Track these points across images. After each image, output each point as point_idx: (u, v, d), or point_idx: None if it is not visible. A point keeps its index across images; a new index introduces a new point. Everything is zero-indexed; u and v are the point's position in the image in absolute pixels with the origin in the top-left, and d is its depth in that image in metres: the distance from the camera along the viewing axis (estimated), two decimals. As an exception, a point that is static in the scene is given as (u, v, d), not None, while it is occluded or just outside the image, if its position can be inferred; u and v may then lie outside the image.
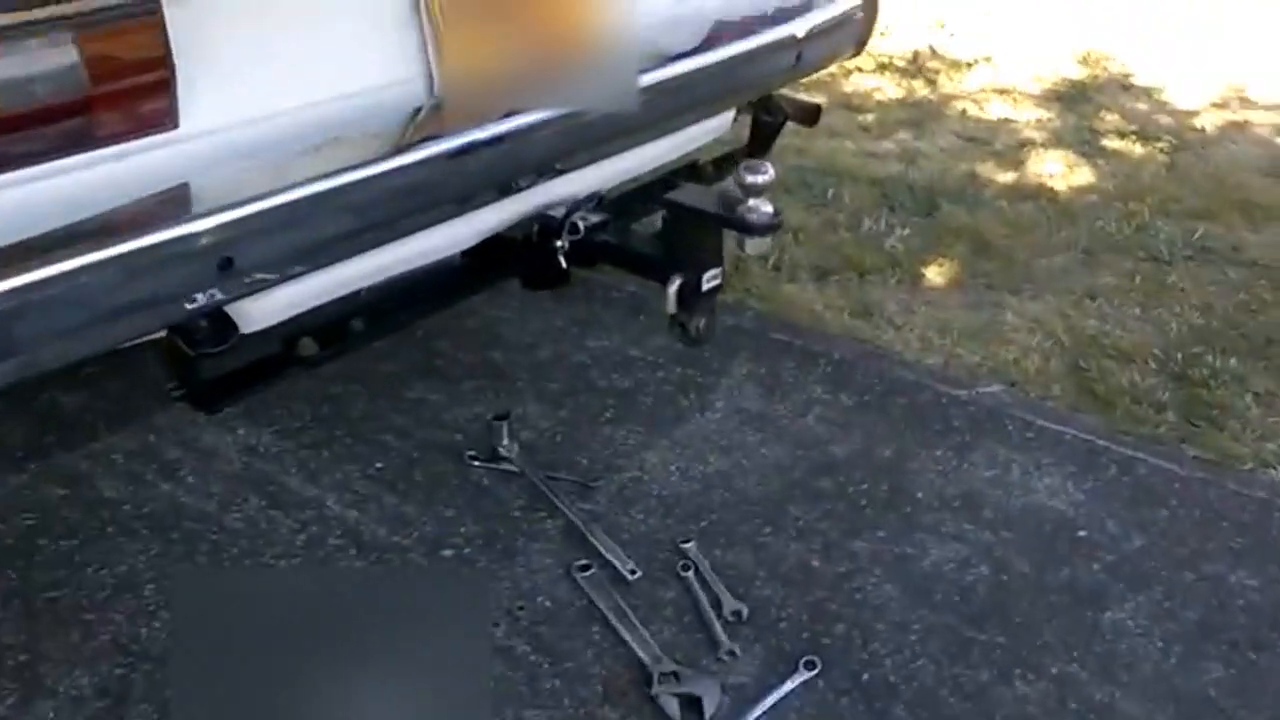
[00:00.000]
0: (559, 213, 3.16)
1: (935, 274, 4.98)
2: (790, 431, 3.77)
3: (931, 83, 7.04)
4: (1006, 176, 5.89)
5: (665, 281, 3.05)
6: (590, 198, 3.27)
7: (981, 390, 4.04)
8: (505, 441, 3.56)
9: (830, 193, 5.54)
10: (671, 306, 3.10)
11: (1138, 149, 6.23)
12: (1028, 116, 6.58)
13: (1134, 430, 3.88)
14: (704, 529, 3.33)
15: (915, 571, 3.21)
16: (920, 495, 3.51)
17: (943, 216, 5.45)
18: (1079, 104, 6.72)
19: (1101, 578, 3.21)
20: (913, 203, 5.54)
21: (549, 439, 3.70)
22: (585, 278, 4.68)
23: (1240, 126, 6.53)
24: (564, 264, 3.28)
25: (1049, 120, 6.53)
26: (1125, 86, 6.96)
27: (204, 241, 2.07)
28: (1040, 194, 5.73)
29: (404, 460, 3.59)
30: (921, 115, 6.56)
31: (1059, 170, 5.98)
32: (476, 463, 3.56)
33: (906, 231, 5.28)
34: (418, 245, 2.94)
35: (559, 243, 3.25)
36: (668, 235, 3.14)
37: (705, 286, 3.13)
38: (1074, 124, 6.48)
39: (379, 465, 3.57)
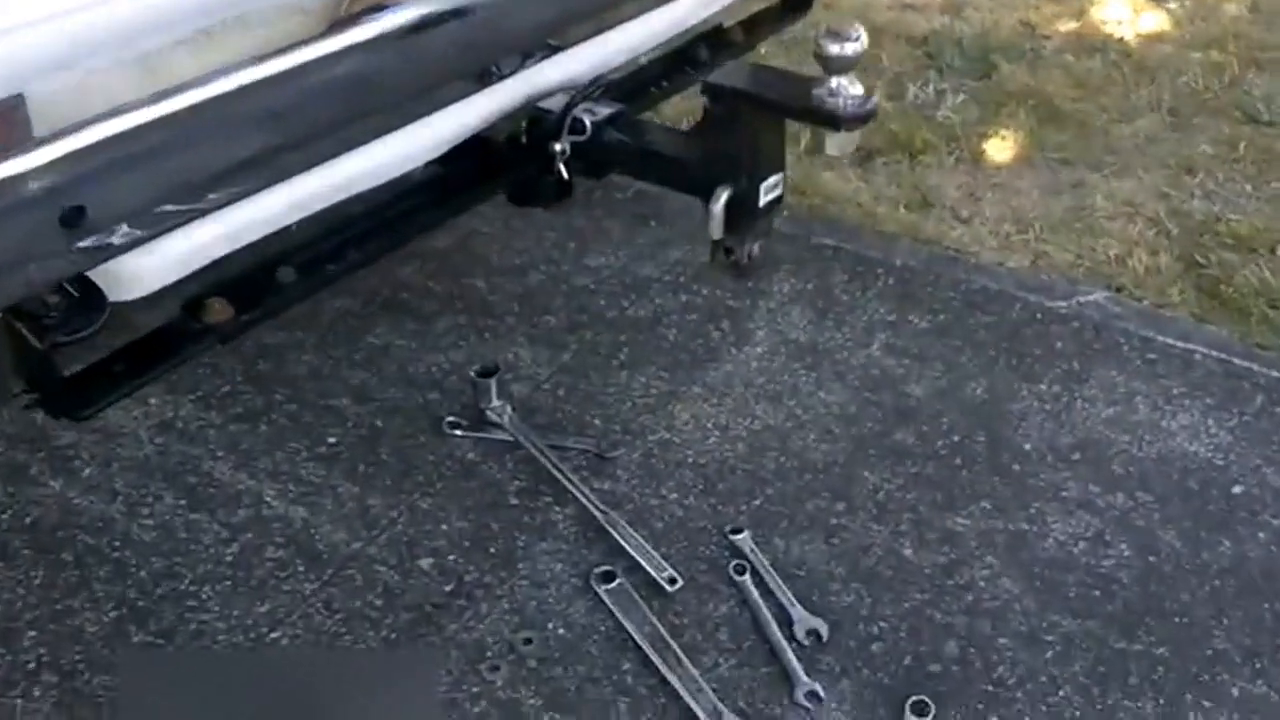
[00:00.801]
0: (556, 105, 2.32)
1: (1000, 149, 4.13)
2: (852, 367, 2.98)
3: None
4: (1068, 26, 4.98)
5: (708, 196, 2.23)
6: (595, 83, 2.42)
7: (1083, 299, 3.24)
8: (494, 402, 2.77)
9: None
10: (718, 228, 2.28)
11: (1217, -13, 5.29)
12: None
13: (1277, 343, 3.10)
14: (758, 510, 2.58)
15: (1038, 556, 2.47)
16: (1028, 448, 2.75)
17: (1000, 78, 4.57)
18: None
19: (1273, 550, 2.47)
20: (963, 62, 4.65)
21: (550, 394, 2.91)
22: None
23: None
24: (565, 173, 2.45)
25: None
26: None
27: (38, 185, 1.51)
28: (1108, 45, 4.84)
29: (364, 432, 2.80)
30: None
31: (1126, 15, 5.07)
32: (459, 431, 2.78)
33: (960, 98, 4.41)
34: (366, 160, 2.13)
35: (558, 146, 2.42)
36: (710, 132, 2.30)
37: (764, 200, 2.31)
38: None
39: (331, 441, 2.78)
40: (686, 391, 2.91)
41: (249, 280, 2.16)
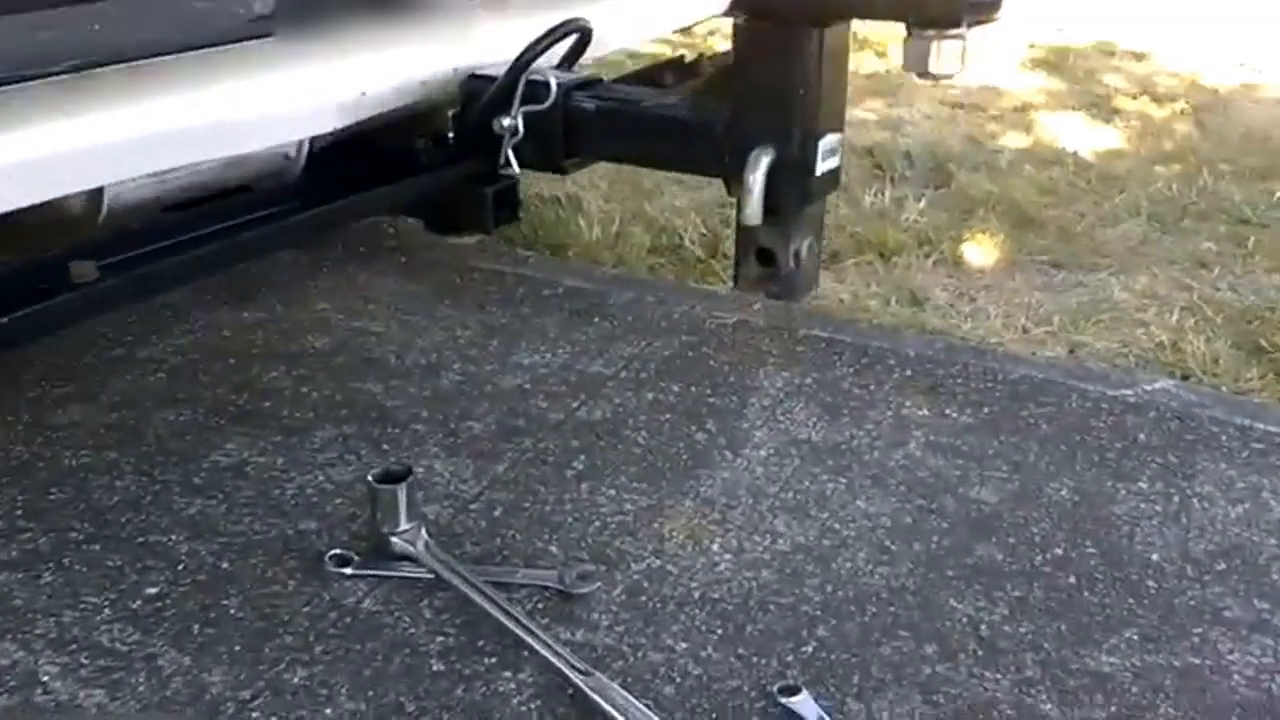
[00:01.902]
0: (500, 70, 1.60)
1: (980, 253, 3.56)
2: (891, 470, 2.20)
3: (882, 55, 5.74)
4: (1018, 141, 4.59)
5: (738, 167, 1.50)
6: (565, 27, 1.70)
7: (1149, 387, 2.56)
8: (403, 523, 1.87)
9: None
10: (754, 212, 1.54)
11: (1154, 110, 5.04)
12: (1013, 83, 5.33)
13: (1395, 429, 2.46)
14: (812, 660, 1.72)
15: (1227, 699, 1.67)
16: (1156, 558, 1.98)
17: (960, 186, 4.08)
18: (1064, 69, 5.53)
19: None
20: (915, 171, 4.15)
21: (482, 515, 2.04)
22: (490, 274, 3.08)
23: (1251, 89, 5.44)
24: (513, 164, 1.70)
25: (1040, 86, 5.30)
26: (1108, 53, 5.82)
27: None
28: (1064, 158, 4.46)
29: (203, 578, 1.86)
30: (886, 85, 5.23)
31: (1076, 133, 4.73)
32: (349, 569, 1.87)
33: (922, 205, 3.87)
34: (203, 118, 1.37)
35: (505, 121, 1.68)
36: (744, 74, 1.59)
37: (821, 167, 1.58)
38: (1069, 88, 5.27)
39: (151, 592, 1.83)
40: (675, 506, 2.07)
41: (30, 272, 1.32)
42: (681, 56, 2.58)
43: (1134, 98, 5.14)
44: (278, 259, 3.03)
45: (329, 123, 1.76)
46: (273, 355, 2.57)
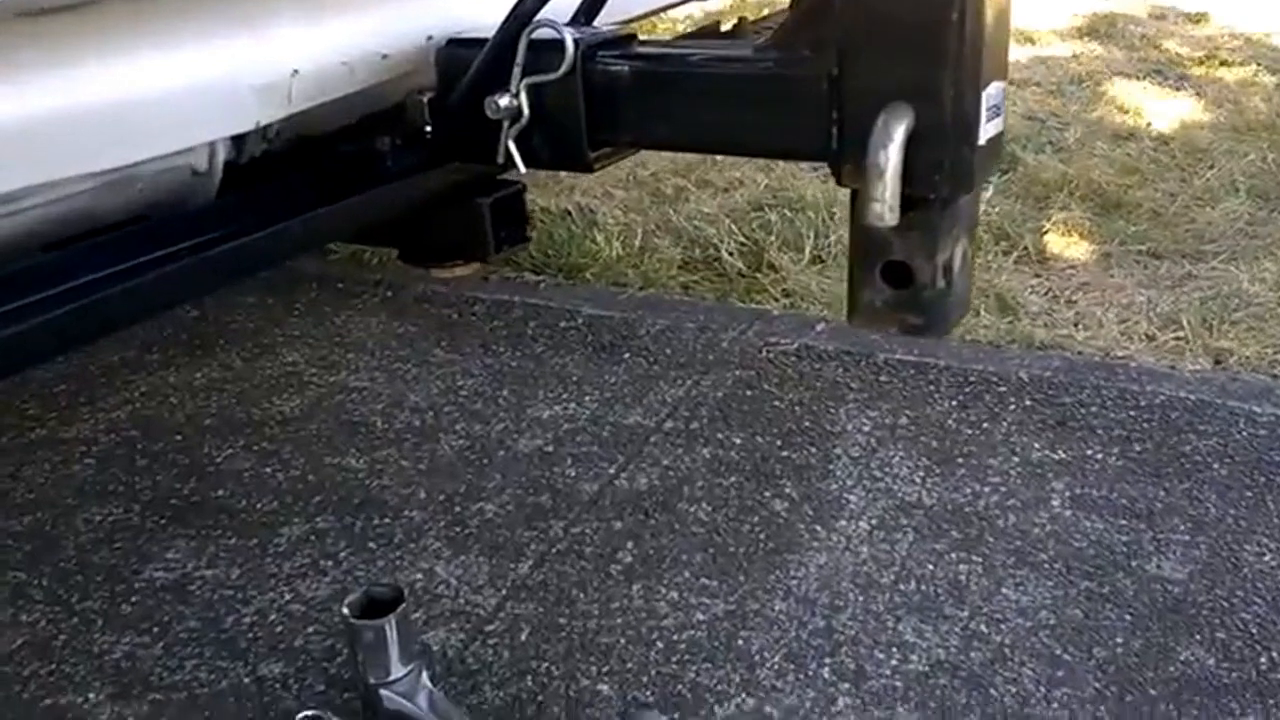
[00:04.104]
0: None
1: (1067, 245, 3.03)
2: (1035, 540, 1.68)
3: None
4: (1084, 116, 4.04)
5: (858, 135, 0.98)
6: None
7: (1335, 405, 2.03)
8: (397, 669, 1.35)
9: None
10: (889, 205, 1.01)
11: (1226, 75, 4.50)
12: (1064, 52, 4.80)
13: None
14: None
15: None
16: None
17: (1029, 170, 3.54)
18: (1117, 36, 5.00)
19: None
20: (975, 157, 3.60)
21: (505, 640, 1.51)
22: (494, 306, 2.55)
23: (1324, 45, 4.91)
24: (516, 158, 1.17)
25: (1095, 54, 4.76)
26: (1159, 16, 5.28)
27: None
28: (1138, 132, 3.90)
29: (123, 762, 1.34)
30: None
31: (1147, 104, 4.18)
32: (324, 738, 1.34)
33: (989, 193, 3.33)
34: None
35: (502, 101, 1.15)
36: (858, 3, 1.06)
37: (984, 133, 1.05)
38: (1127, 55, 4.73)
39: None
40: (762, 611, 1.54)
41: None
42: (716, 23, 2.07)
43: (1201, 63, 4.60)
44: (238, 301, 2.52)
45: (248, 117, 1.24)
46: (229, 426, 2.05)
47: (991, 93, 1.05)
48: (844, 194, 3.35)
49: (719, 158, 3.59)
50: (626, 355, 2.28)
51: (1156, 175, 3.54)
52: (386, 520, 1.77)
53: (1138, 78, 4.47)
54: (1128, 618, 1.51)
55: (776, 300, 2.61)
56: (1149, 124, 3.98)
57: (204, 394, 2.16)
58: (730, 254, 2.86)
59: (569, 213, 3.09)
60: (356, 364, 2.27)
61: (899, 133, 1.00)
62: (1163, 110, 4.11)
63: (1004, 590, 1.56)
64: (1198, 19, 5.23)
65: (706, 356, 2.26)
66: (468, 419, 2.06)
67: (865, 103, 1.03)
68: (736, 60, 1.17)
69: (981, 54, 1.02)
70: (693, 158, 3.55)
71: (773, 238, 2.90)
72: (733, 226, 3.00)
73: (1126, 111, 4.08)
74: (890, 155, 1.00)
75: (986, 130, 1.05)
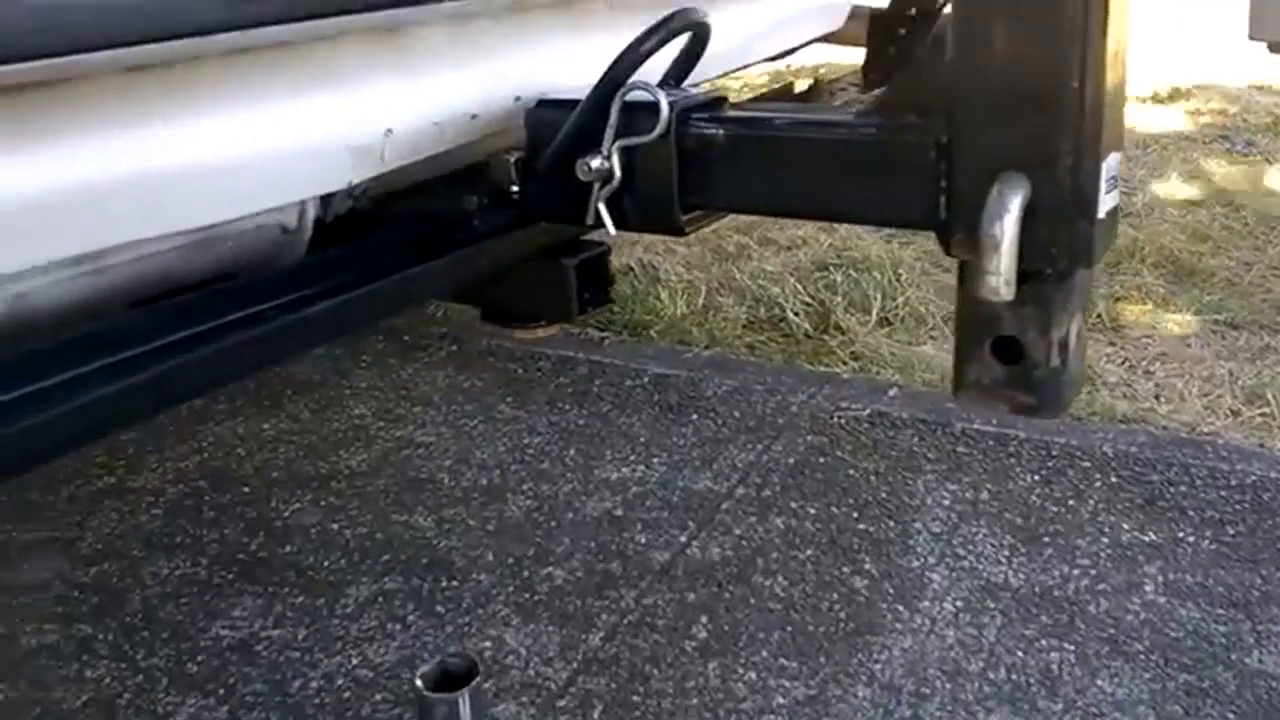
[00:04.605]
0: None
1: (1140, 313, 2.97)
2: (1128, 627, 1.61)
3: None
4: (1154, 180, 3.98)
5: (970, 206, 0.94)
6: (666, 25, 1.16)
7: None
8: (469, 747, 1.30)
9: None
10: (1004, 278, 0.98)
11: (1298, 140, 4.42)
12: (1132, 116, 4.75)
13: None
14: None
15: None
16: None
17: (1099, 234, 3.44)
18: (1181, 102, 4.94)
19: None
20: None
21: (576, 714, 1.46)
22: (559, 361, 2.53)
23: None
24: (606, 221, 1.15)
25: (1161, 120, 4.70)
26: (1170, 99, 5.17)
27: None
28: (1208, 198, 3.84)
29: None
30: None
31: (1214, 169, 4.11)
32: (394, 818, 1.30)
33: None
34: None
35: (593, 163, 1.13)
36: (970, 66, 1.03)
37: (1102, 206, 1.02)
38: (1194, 121, 4.66)
39: None
40: (845, 697, 1.48)
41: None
42: (790, 84, 2.05)
43: (1269, 129, 4.53)
44: (306, 352, 2.52)
45: (341, 176, 1.23)
46: (297, 480, 2.03)
47: (1110, 164, 1.01)
48: (909, 254, 3.30)
49: (783, 215, 3.57)
50: (694, 416, 2.24)
51: (1229, 243, 3.47)
52: (454, 583, 1.74)
53: (1205, 142, 4.41)
54: (1230, 716, 1.44)
55: (845, 363, 2.56)
56: (1221, 189, 3.91)
57: (271, 446, 2.15)
58: (796, 314, 2.83)
59: (631, 269, 3.08)
60: (423, 418, 2.25)
61: (1015, 204, 0.96)
62: (1232, 174, 4.05)
63: (1099, 682, 1.49)
64: (1262, 87, 5.16)
65: (776, 420, 2.22)
66: (535, 479, 2.03)
67: (977, 172, 1.00)
68: (837, 125, 1.14)
69: (1102, 123, 0.98)
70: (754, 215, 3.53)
71: (839, 298, 2.86)
72: (798, 286, 2.97)
73: (1196, 177, 4.01)
74: (1007, 228, 0.96)
75: (1105, 202, 1.01)
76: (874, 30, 2.14)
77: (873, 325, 2.79)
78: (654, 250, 3.21)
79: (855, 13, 2.14)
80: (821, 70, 3.23)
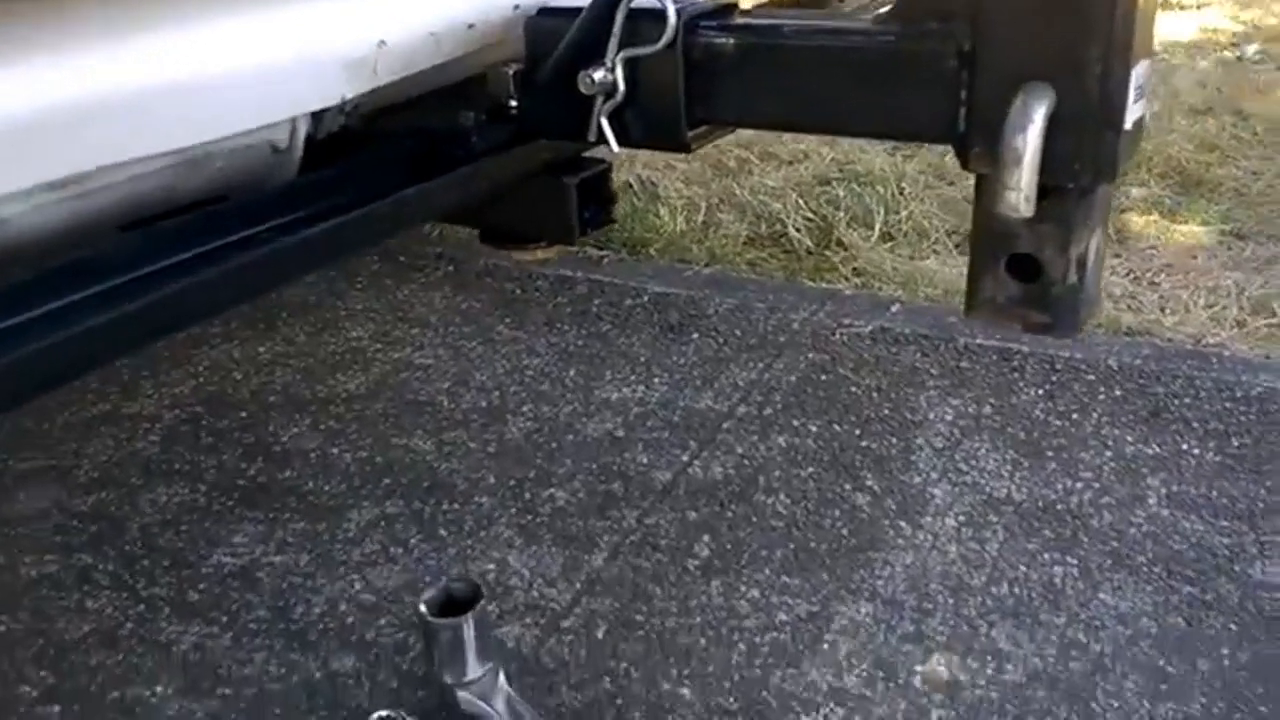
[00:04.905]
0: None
1: (1148, 225, 2.93)
2: (1131, 540, 1.61)
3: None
4: (1160, 90, 3.89)
5: (991, 117, 0.90)
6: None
7: None
8: (473, 669, 1.31)
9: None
10: (1025, 193, 0.95)
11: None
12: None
13: None
14: None
15: None
16: None
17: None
18: (1191, 10, 4.82)
19: None
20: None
21: (580, 634, 1.46)
22: (558, 281, 2.50)
23: None
24: (609, 137, 1.11)
25: (1167, 26, 4.59)
26: (1180, 6, 5.03)
27: None
28: (1215, 107, 3.76)
29: (195, 759, 1.31)
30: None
31: (1224, 77, 4.02)
32: (400, 738, 1.31)
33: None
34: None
35: (596, 75, 1.09)
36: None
37: (1130, 114, 0.98)
38: (1204, 30, 4.56)
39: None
40: (847, 613, 1.48)
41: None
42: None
43: (1278, 37, 4.43)
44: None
45: (334, 91, 1.19)
46: (295, 404, 2.02)
47: (1140, 71, 0.97)
48: (912, 167, 3.25)
49: (784, 128, 3.50)
50: (695, 335, 2.22)
51: (1237, 152, 3.41)
52: (456, 506, 1.73)
53: (1215, 50, 4.31)
54: (1233, 627, 1.44)
55: (847, 279, 2.53)
56: (1229, 99, 3.83)
57: (268, 369, 2.13)
58: (797, 230, 2.78)
59: (630, 186, 3.02)
60: (420, 340, 2.23)
61: (1039, 115, 0.93)
62: (1242, 85, 3.96)
63: (1101, 595, 1.49)
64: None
65: (778, 338, 2.20)
66: (535, 400, 2.01)
67: (1000, 81, 0.95)
68: (853, 33, 1.10)
69: (1134, 27, 0.93)
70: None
71: (841, 213, 2.82)
72: (799, 201, 2.92)
73: (1204, 86, 3.93)
74: (1029, 140, 0.92)
75: (1132, 113, 0.97)
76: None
77: (875, 240, 2.75)
78: (653, 166, 3.15)
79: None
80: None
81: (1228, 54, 4.28)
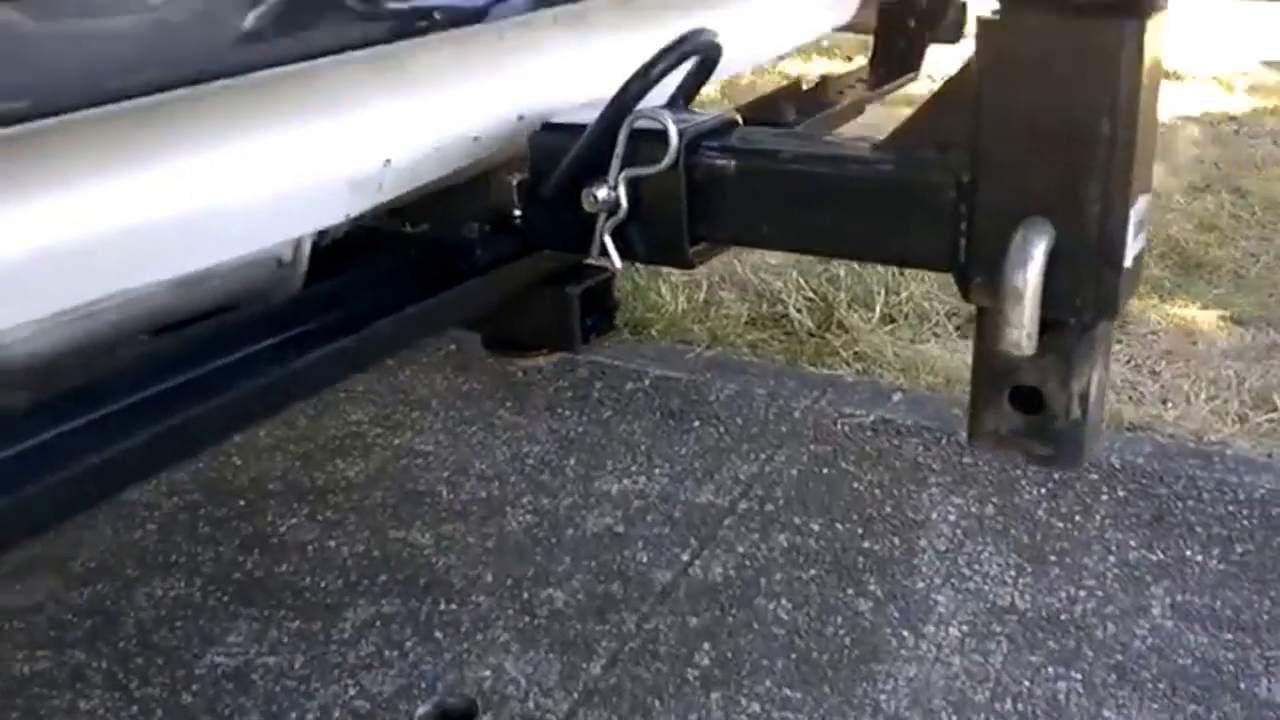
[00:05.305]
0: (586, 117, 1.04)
1: (1145, 308, 2.93)
2: (1137, 654, 1.60)
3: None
4: (1157, 167, 3.91)
5: (990, 252, 0.91)
6: (677, 49, 1.12)
7: None
8: (468, 790, 1.29)
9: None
10: (1026, 330, 0.94)
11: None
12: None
13: None
14: None
15: None
16: None
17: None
18: (1188, 82, 4.87)
19: None
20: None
21: (578, 754, 1.45)
22: (559, 363, 2.51)
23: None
24: (611, 253, 1.12)
25: (1162, 101, 4.63)
26: (1176, 77, 5.07)
27: None
28: (1218, 184, 3.80)
29: None
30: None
31: (1220, 153, 4.06)
32: None
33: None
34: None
35: (599, 194, 1.10)
36: (996, 107, 0.99)
37: (1129, 252, 0.98)
38: (1200, 103, 4.61)
39: None
40: (849, 728, 1.47)
41: None
42: (798, 81, 2.00)
43: (1274, 113, 4.47)
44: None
45: (339, 210, 1.19)
46: (294, 492, 2.01)
47: (1139, 208, 0.97)
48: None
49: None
50: (696, 424, 2.22)
51: (1236, 232, 3.43)
52: (453, 606, 1.72)
53: (1212, 125, 4.35)
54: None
55: (848, 364, 2.53)
56: (1227, 175, 3.87)
57: (268, 454, 2.12)
58: (798, 310, 2.79)
59: (633, 265, 3.03)
60: (421, 425, 2.22)
61: (1039, 252, 0.93)
62: (1239, 160, 4.00)
63: (1105, 713, 1.48)
64: (1271, 63, 5.10)
65: (779, 428, 2.19)
66: (535, 491, 2.00)
67: (1000, 215, 0.96)
68: (852, 160, 1.10)
69: (1132, 163, 0.94)
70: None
71: (841, 294, 2.83)
72: (800, 280, 2.92)
73: (1202, 162, 3.96)
74: (1030, 277, 0.92)
75: (1132, 249, 0.97)
76: (883, 21, 2.10)
77: (876, 322, 2.76)
78: (654, 242, 3.16)
79: (865, 2, 2.10)
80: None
81: (1225, 127, 4.32)
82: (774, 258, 3.11)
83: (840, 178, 1.12)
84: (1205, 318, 2.90)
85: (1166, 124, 4.33)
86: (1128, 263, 0.98)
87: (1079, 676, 1.54)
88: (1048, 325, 0.97)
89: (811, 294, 2.86)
